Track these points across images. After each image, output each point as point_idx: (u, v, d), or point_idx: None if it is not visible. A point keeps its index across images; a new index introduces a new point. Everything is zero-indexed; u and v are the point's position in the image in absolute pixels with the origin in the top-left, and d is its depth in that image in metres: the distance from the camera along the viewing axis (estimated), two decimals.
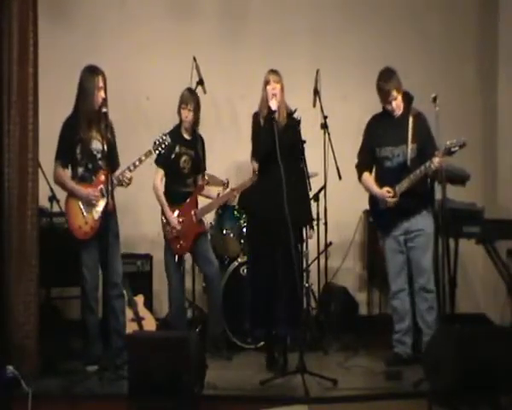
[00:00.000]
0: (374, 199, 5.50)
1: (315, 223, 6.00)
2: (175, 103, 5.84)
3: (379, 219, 5.56)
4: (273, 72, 5.42)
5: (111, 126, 5.34)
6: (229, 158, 6.77)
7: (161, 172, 5.81)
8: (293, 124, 5.38)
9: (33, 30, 5.26)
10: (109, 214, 5.23)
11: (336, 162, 6.04)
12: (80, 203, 5.24)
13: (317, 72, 6.13)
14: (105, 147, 5.18)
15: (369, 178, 5.50)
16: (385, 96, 5.33)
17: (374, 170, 5.55)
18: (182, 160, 5.83)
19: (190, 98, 5.81)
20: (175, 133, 5.76)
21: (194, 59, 6.20)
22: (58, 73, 6.38)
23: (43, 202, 5.69)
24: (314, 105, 6.10)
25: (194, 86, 6.13)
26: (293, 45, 6.90)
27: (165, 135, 5.38)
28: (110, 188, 5.12)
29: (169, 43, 6.79)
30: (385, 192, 5.36)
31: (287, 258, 5.05)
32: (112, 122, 5.33)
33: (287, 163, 5.21)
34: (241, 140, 6.80)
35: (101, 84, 5.22)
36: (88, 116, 5.23)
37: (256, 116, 5.47)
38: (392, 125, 5.38)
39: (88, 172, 5.28)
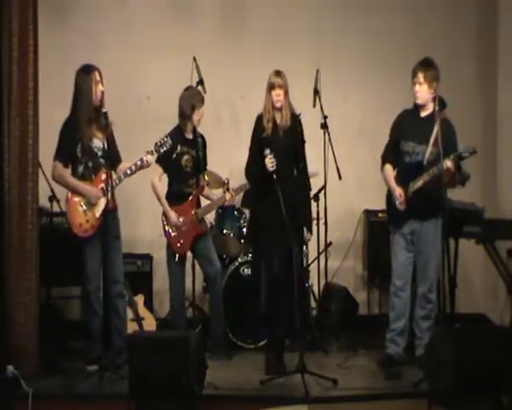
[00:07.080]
0: (390, 193, 5.47)
1: (314, 222, 6.00)
2: (175, 103, 5.84)
3: (392, 213, 5.51)
4: (278, 74, 5.33)
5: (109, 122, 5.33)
6: (229, 158, 6.75)
7: (160, 171, 5.78)
8: (295, 125, 5.37)
9: (33, 30, 5.27)
10: (111, 213, 5.23)
11: (336, 162, 6.03)
12: (81, 201, 5.22)
13: (317, 71, 6.12)
14: (105, 145, 5.17)
15: (389, 170, 5.46)
16: (412, 77, 5.30)
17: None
18: (184, 159, 5.84)
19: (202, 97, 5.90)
20: (177, 133, 5.76)
21: (195, 59, 6.20)
22: (58, 73, 6.37)
23: (43, 201, 5.68)
24: (314, 105, 6.09)
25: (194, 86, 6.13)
26: (292, 46, 6.89)
27: (167, 137, 5.36)
28: (111, 186, 5.13)
29: (169, 43, 6.78)
30: (397, 194, 5.32)
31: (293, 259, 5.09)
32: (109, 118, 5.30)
33: (288, 165, 5.28)
34: (241, 140, 6.79)
35: (98, 78, 5.21)
36: (88, 115, 5.21)
37: (259, 119, 5.41)
38: (420, 123, 5.35)
39: (88, 171, 5.26)
